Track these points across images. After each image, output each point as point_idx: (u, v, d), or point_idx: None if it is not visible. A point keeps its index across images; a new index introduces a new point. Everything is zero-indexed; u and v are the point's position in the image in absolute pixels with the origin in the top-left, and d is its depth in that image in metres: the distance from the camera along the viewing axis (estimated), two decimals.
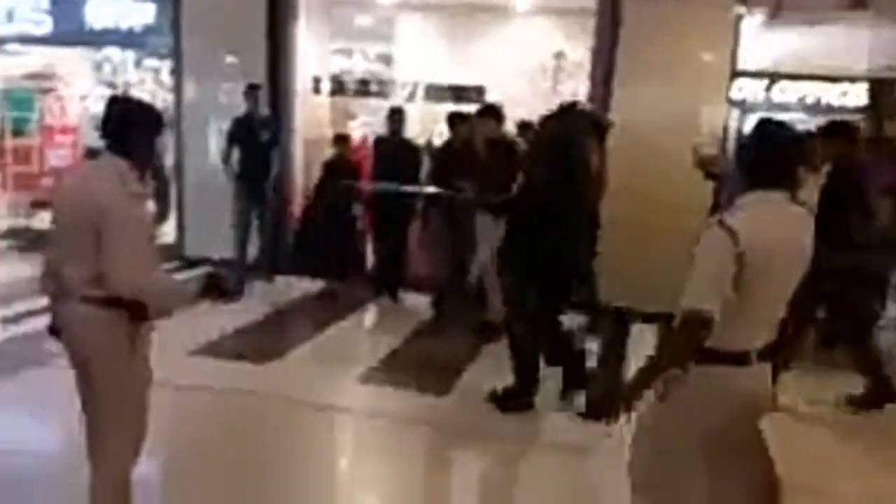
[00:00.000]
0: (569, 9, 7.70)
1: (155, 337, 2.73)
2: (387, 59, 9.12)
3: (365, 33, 8.99)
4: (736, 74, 6.40)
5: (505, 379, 4.55)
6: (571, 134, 4.49)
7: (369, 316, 6.62)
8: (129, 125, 2.61)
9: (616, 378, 4.91)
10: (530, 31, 8.65)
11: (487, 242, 5.44)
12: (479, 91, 8.48)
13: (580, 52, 7.65)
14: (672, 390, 2.38)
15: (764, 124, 2.43)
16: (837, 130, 4.65)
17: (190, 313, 5.61)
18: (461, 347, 5.55)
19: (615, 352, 5.58)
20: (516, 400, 4.49)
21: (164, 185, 9.15)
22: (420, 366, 5.22)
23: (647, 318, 5.89)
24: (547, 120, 4.61)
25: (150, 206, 2.84)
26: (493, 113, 5.85)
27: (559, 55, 8.64)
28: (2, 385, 4.51)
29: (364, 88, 8.39)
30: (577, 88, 7.64)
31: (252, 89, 6.69)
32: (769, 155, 2.35)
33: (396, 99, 7.97)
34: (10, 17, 8.20)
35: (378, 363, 5.26)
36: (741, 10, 6.20)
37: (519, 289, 4.47)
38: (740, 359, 2.34)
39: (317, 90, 8.27)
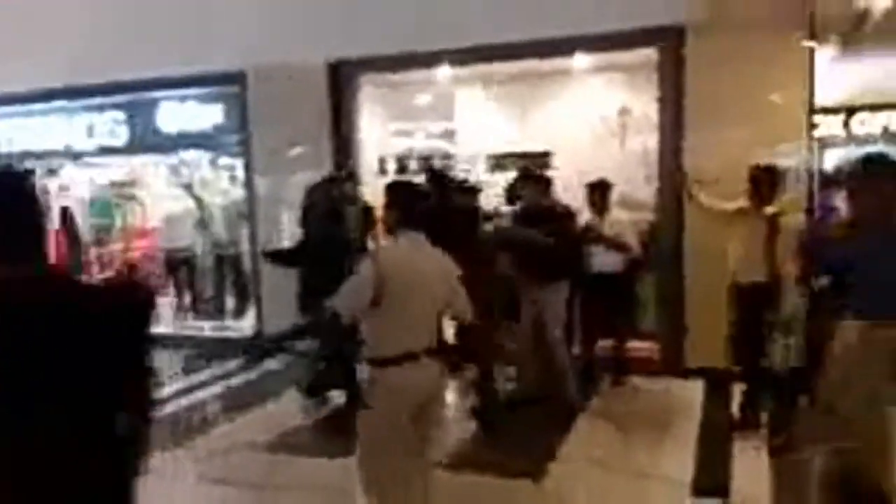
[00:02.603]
0: (629, 63, 7.53)
1: None
2: (449, 135, 9.13)
3: (424, 112, 9.05)
4: (814, 111, 6.05)
5: None
6: None
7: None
8: None
9: None
10: (591, 90, 8.49)
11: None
12: (544, 156, 8.37)
13: (646, 105, 7.46)
14: None
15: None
16: None
17: None
18: None
19: None
20: None
21: (242, 277, 9.33)
22: None
23: None
24: None
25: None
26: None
27: (623, 111, 8.44)
28: None
29: (428, 165, 8.39)
30: (647, 142, 7.41)
31: (331, 181, 6.81)
32: None
33: (460, 173, 7.91)
34: (89, 132, 8.62)
35: None
36: (811, 43, 5.92)
37: None
38: None
39: (382, 171, 8.33)
